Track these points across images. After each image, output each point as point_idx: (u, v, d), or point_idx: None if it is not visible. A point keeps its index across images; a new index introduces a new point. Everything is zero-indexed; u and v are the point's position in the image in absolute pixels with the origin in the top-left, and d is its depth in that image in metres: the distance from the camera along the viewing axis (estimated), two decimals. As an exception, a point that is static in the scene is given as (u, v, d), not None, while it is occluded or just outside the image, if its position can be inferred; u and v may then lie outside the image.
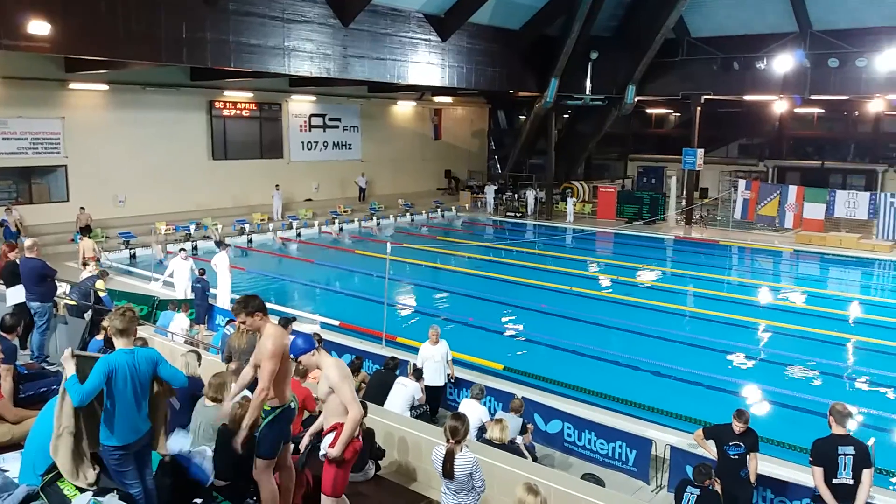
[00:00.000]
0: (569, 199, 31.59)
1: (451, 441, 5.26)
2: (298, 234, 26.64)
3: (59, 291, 11.18)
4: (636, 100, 30.30)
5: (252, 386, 5.34)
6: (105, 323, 8.18)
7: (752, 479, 7.27)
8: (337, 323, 14.80)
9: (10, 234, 18.66)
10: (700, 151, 28.97)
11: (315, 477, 5.83)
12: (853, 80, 25.22)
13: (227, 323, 11.79)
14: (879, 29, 24.62)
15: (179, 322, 11.75)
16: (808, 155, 38.24)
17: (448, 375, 10.63)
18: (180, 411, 6.29)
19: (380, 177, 33.56)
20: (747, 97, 30.26)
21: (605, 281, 20.73)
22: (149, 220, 23.31)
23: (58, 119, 22.07)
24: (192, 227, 24.04)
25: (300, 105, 29.96)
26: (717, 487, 6.96)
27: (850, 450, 6.23)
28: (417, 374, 10.07)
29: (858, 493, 6.21)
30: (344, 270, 21.82)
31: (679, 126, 40.55)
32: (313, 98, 30.00)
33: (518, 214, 32.28)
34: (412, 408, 9.32)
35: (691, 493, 6.55)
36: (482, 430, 8.39)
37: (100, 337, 8.54)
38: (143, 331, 10.39)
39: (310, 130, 30.59)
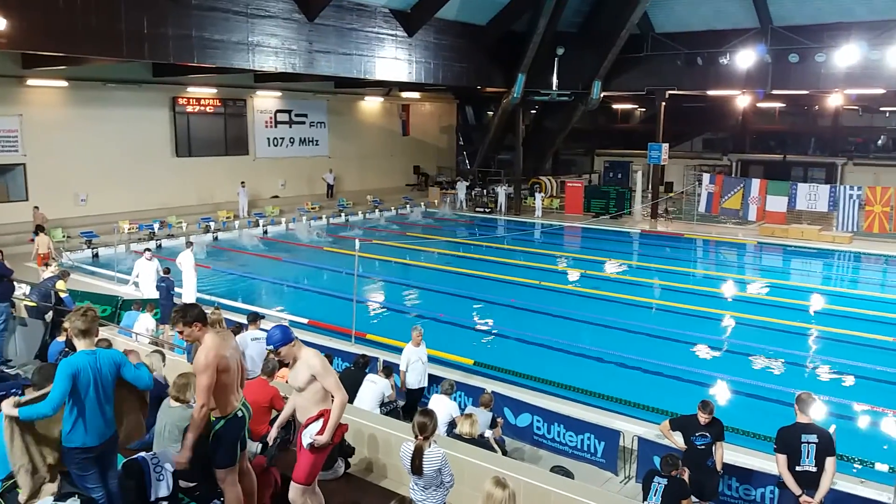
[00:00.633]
0: (537, 195, 31.76)
1: (419, 437, 5.25)
2: (265, 232, 26.37)
3: (19, 293, 10.94)
4: (602, 95, 30.53)
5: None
6: (66, 324, 8.00)
7: (719, 467, 7.39)
8: (305, 321, 14.69)
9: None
10: (665, 146, 29.34)
11: (283, 476, 5.79)
12: (813, 74, 25.75)
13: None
14: (837, 25, 25.19)
15: (144, 322, 11.54)
16: (771, 149, 39.02)
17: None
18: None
19: (348, 173, 33.38)
20: (711, 92, 30.67)
21: (573, 275, 20.90)
22: (111, 219, 22.90)
23: (15, 116, 21.54)
24: (157, 226, 23.67)
25: (265, 101, 29.64)
26: (685, 476, 7.06)
27: (814, 438, 6.33)
28: (387, 371, 10.03)
29: (822, 480, 6.30)
30: (313, 268, 21.67)
31: (644, 121, 41.06)
32: (279, 94, 29.71)
33: (487, 210, 32.37)
34: (382, 404, 9.29)
35: (658, 483, 6.63)
36: (452, 425, 8.40)
37: (61, 339, 8.35)
38: (107, 332, 10.21)
39: (276, 126, 30.28)
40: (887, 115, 35.98)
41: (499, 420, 8.93)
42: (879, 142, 37.26)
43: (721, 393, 11.85)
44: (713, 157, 39.14)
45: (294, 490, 5.39)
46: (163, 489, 5.37)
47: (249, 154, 29.21)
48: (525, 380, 11.58)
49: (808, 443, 6.31)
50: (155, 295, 14.03)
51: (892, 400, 11.36)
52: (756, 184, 26.84)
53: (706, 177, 28.76)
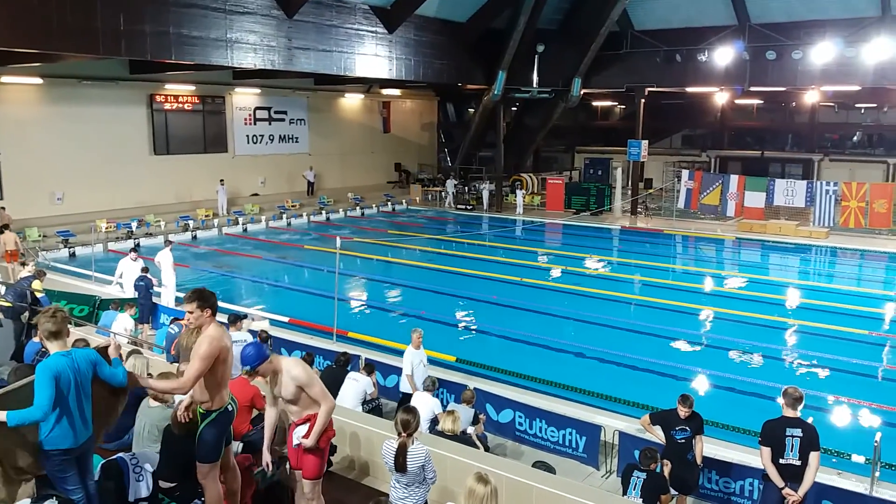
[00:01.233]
0: (518, 192, 31.83)
1: (402, 434, 5.25)
2: (245, 230, 26.19)
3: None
4: (582, 92, 30.66)
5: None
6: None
7: (699, 461, 7.46)
8: (286, 319, 14.62)
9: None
10: (644, 143, 29.56)
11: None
12: (790, 71, 26.09)
13: (172, 321, 11.51)
14: (813, 22, 25.58)
15: (122, 322, 11.41)
16: (749, 145, 39.41)
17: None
18: (124, 413, 6.11)
19: (328, 170, 33.23)
20: (690, 89, 30.94)
21: (554, 271, 20.96)
22: (88, 218, 22.62)
23: (-12, 114, 21.22)
24: (135, 225, 23.42)
25: (244, 98, 29.42)
26: (667, 470, 7.13)
27: (798, 432, 6.37)
28: (369, 368, 10.00)
29: (805, 474, 6.34)
30: (293, 266, 21.56)
31: (624, 118, 41.31)
32: (258, 91, 29.50)
33: (469, 207, 32.39)
34: (364, 402, 9.28)
35: (637, 478, 6.69)
36: (434, 421, 8.41)
37: (37, 339, 8.22)
38: (85, 331, 10.09)
39: (255, 124, 30.07)
40: (862, 111, 36.47)
41: (481, 416, 8.95)
42: (855, 138, 37.79)
43: (700, 387, 11.95)
44: (692, 153, 39.49)
45: (308, 485, 5.47)
46: (142, 490, 5.33)
47: (228, 151, 28.98)
48: (507, 376, 11.62)
49: (793, 436, 6.35)
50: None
51: (867, 392, 11.53)
52: (734, 180, 27.11)
53: (685, 173, 29.01)
